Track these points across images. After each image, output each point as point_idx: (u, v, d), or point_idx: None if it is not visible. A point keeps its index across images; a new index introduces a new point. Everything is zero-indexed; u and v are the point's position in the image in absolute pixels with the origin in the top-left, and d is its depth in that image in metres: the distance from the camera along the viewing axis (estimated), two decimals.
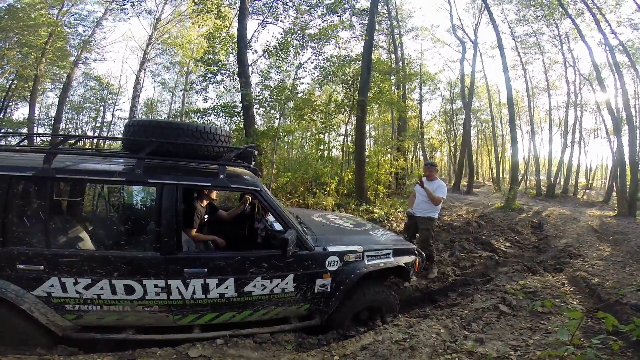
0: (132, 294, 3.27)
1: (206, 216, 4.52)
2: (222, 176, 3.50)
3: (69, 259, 3.13)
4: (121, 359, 3.11)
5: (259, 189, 3.71)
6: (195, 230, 4.09)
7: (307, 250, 3.76)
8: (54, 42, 19.22)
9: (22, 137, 5.24)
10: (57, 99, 22.27)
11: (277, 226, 4.02)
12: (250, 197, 5.04)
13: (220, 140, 3.77)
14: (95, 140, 21.22)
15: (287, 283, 3.68)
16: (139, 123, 3.89)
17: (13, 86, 20.69)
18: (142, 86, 25.32)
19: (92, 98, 27.68)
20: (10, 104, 21.56)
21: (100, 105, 28.11)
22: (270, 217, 4.33)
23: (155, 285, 3.29)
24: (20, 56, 18.61)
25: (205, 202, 4.47)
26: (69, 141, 5.02)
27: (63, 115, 23.15)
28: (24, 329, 3.20)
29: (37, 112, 21.38)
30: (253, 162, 4.05)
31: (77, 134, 25.36)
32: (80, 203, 4.35)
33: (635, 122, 17.39)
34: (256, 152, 4.26)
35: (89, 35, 21.53)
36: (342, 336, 3.96)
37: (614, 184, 17.79)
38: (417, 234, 6.43)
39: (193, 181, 3.59)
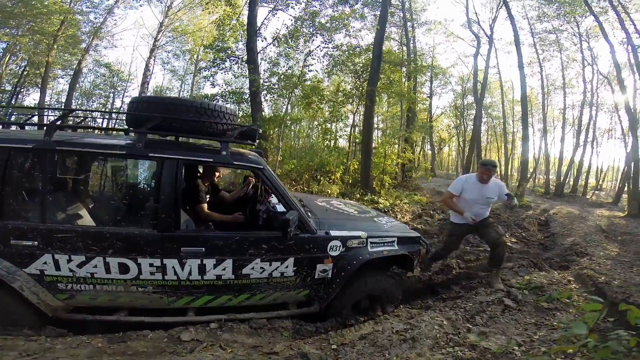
0: (127, 273, 3.18)
1: (208, 197, 4.42)
2: (224, 152, 3.41)
3: (63, 235, 3.05)
4: (111, 341, 3.03)
5: (262, 166, 3.63)
6: (206, 206, 3.99)
7: (309, 233, 3.65)
8: (66, 30, 19.27)
9: (30, 115, 5.16)
10: (68, 86, 22.37)
11: (280, 209, 3.92)
12: (253, 180, 4.94)
13: (224, 117, 3.65)
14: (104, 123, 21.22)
15: (286, 267, 3.57)
16: (143, 99, 3.83)
17: (25, 73, 20.88)
18: (152, 73, 25.34)
19: (102, 85, 27.80)
20: (22, 90, 21.73)
21: (110, 92, 28.24)
22: (273, 199, 4.24)
23: (151, 265, 3.20)
24: (32, 43, 18.68)
25: (207, 183, 4.38)
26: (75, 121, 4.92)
27: (73, 101, 23.29)
28: (12, 309, 3.11)
29: (47, 99, 21.62)
30: (257, 141, 3.93)
31: (83, 115, 25.40)
32: (80, 178, 4.24)
33: None
34: (260, 131, 4.15)
35: (100, 23, 21.64)
36: (340, 325, 3.87)
37: (626, 185, 17.49)
38: (487, 232, 5.24)
39: (195, 157, 3.54)
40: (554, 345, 3.13)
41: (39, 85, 20.66)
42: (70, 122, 4.65)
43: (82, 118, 5.64)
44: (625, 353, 2.17)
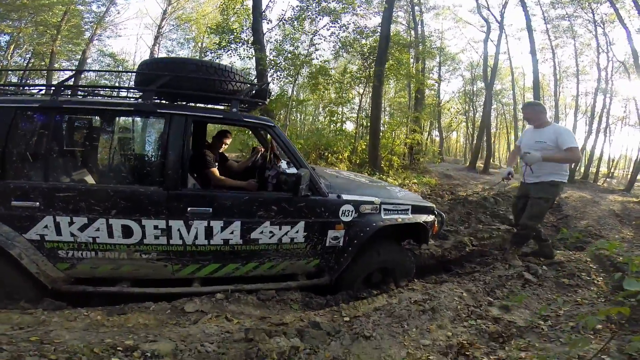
0: (130, 237, 3.02)
1: (216, 164, 4.26)
2: (234, 109, 3.30)
3: (65, 194, 2.90)
4: (111, 313, 2.87)
5: (272, 124, 3.49)
6: (216, 170, 3.82)
7: (321, 195, 3.46)
8: (69, 20, 19.44)
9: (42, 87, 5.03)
10: (73, 78, 22.12)
11: (290, 171, 3.73)
12: (261, 149, 4.75)
13: (234, 78, 3.52)
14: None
15: (296, 232, 3.39)
16: (153, 60, 3.88)
17: (30, 64, 20.87)
18: None
19: (107, 75, 27.62)
20: (28, 81, 21.52)
21: (116, 82, 28.08)
22: (283, 164, 4.08)
23: (155, 227, 3.03)
24: (36, 34, 18.89)
25: (215, 152, 4.23)
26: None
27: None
28: (10, 280, 2.97)
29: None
30: (268, 100, 3.79)
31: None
32: (86, 138, 4.12)
33: None
34: (271, 92, 4.04)
35: (103, 13, 21.73)
36: (352, 297, 3.67)
37: (638, 171, 17.22)
38: (527, 208, 4.67)
39: (204, 113, 3.47)
40: (582, 321, 2.94)
41: (45, 76, 20.71)
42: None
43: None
44: None
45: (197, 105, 3.78)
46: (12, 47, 19.59)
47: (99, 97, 3.46)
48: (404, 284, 3.98)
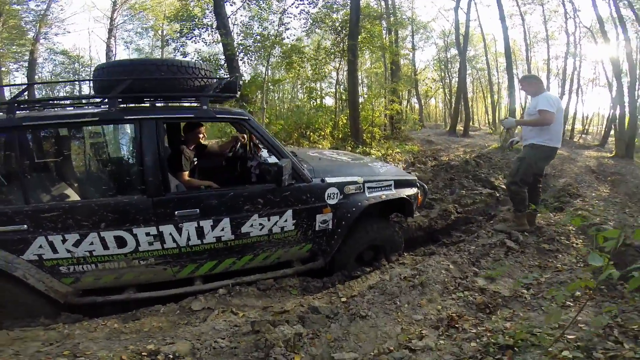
0: (125, 246, 3.06)
1: (196, 160, 4.28)
2: (205, 107, 3.24)
3: (51, 214, 2.89)
4: (125, 320, 2.99)
5: (247, 117, 3.48)
6: (187, 173, 3.81)
7: (304, 182, 3.53)
8: (6, 21, 18.40)
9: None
10: (26, 78, 21.40)
11: (272, 161, 3.80)
12: (242, 139, 4.70)
13: (199, 74, 3.47)
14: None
15: (285, 220, 3.47)
16: (110, 64, 3.69)
17: None
18: (115, 54, 24.15)
19: (63, 73, 26.72)
20: None
21: (75, 89, 27.03)
22: (263, 154, 4.11)
23: (147, 234, 3.08)
24: None
25: (192, 146, 4.17)
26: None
27: (36, 92, 22.36)
28: (25, 300, 3.02)
29: (7, 93, 20.49)
30: (238, 92, 3.75)
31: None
32: (56, 153, 4.01)
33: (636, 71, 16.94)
34: (240, 83, 3.98)
35: (44, 10, 20.44)
36: (347, 277, 3.84)
37: (612, 126, 17.73)
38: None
39: (174, 114, 3.42)
40: (562, 287, 3.14)
41: None
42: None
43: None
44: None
45: (167, 103, 3.73)
46: None
47: (59, 109, 3.35)
48: (394, 258, 4.15)
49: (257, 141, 4.28)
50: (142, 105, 3.43)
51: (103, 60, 24.24)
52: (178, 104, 3.59)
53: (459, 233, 5.33)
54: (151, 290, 3.32)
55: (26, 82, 20.85)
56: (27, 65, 21.14)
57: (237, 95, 3.79)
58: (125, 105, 3.27)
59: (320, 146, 11.42)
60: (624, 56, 15.96)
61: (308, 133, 12.70)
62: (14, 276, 2.86)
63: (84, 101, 4.41)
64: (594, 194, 7.32)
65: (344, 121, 13.82)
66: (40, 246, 2.90)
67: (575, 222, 2.77)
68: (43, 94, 25.45)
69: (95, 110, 3.15)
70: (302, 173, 3.53)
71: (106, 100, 3.22)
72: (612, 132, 18.48)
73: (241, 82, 4.86)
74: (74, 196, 3.49)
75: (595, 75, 29.10)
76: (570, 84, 24.52)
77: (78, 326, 2.85)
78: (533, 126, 4.58)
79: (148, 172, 3.06)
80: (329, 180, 3.65)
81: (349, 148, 11.38)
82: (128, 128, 3.91)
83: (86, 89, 26.61)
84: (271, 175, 3.39)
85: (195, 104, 3.54)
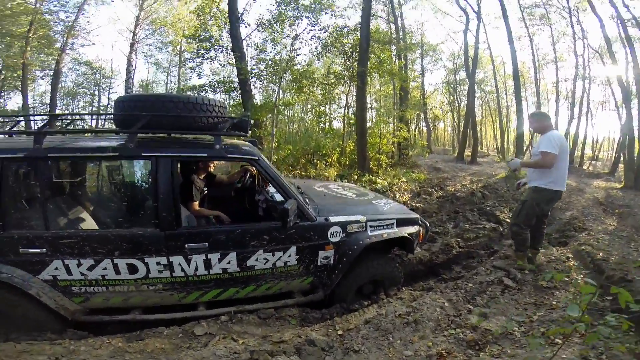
0: (136, 273, 3.25)
1: (206, 189, 4.45)
2: (218, 146, 3.40)
3: (69, 240, 3.10)
4: (129, 340, 3.13)
5: (256, 157, 3.64)
6: (197, 203, 4.02)
7: (309, 221, 3.67)
8: (37, 30, 18.96)
9: (16, 122, 5.09)
10: (50, 86, 22.17)
11: (278, 197, 3.94)
12: (253, 169, 4.90)
13: (213, 110, 3.64)
14: (93, 123, 21.11)
15: (289, 256, 3.62)
16: (129, 98, 3.82)
17: (2, 77, 20.64)
18: (135, 68, 24.87)
19: (85, 83, 27.54)
20: (2, 94, 21.60)
21: (95, 90, 28.09)
22: (271, 188, 4.26)
23: (158, 263, 3.26)
24: (3, 46, 18.46)
25: (203, 175, 4.39)
26: (63, 123, 4.86)
27: (58, 101, 23.06)
28: (34, 315, 3.21)
29: (30, 100, 21.32)
30: (249, 132, 3.92)
31: (68, 113, 25.22)
32: (77, 183, 4.24)
33: None
34: (252, 121, 4.14)
35: (72, 21, 21.14)
36: (345, 310, 3.95)
37: (622, 155, 17.54)
38: None
39: (189, 153, 3.56)
40: (553, 325, 3.23)
41: (19, 88, 20.48)
42: (59, 124, 4.56)
43: (70, 119, 5.57)
44: (613, 338, 2.25)
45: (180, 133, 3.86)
46: None
47: (82, 141, 3.51)
48: (392, 293, 4.26)
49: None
50: (159, 137, 3.60)
51: (123, 72, 24.96)
52: (192, 139, 3.75)
53: (459, 268, 5.40)
54: (156, 313, 3.49)
55: (50, 89, 21.94)
56: (52, 74, 21.75)
57: (248, 135, 3.95)
58: (143, 135, 3.44)
59: (327, 174, 11.52)
60: (632, 78, 15.89)
61: (315, 160, 12.86)
62: (28, 293, 3.06)
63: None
64: (600, 228, 7.26)
65: (351, 147, 14.00)
66: (56, 268, 3.12)
67: (558, 277, 2.85)
68: (64, 102, 26.37)
69: (115, 145, 3.31)
70: (307, 213, 3.69)
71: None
72: (622, 159, 18.27)
73: (250, 117, 4.98)
74: (91, 225, 3.68)
75: (605, 98, 28.76)
76: (579, 107, 24.37)
77: (83, 343, 3.01)
78: (535, 168, 4.63)
79: (162, 207, 3.24)
80: (332, 219, 3.80)
81: (355, 177, 11.51)
82: (145, 163, 4.06)
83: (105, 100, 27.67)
84: (277, 213, 3.54)
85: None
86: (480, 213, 8.54)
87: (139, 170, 4.90)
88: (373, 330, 3.27)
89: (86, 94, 27.99)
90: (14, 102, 23.06)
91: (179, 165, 3.46)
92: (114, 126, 3.74)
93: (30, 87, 22.92)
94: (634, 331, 3.05)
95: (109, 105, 27.39)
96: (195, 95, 3.77)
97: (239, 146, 3.73)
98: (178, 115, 3.40)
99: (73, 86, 27.23)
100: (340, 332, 3.30)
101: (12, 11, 17.22)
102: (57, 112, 21.89)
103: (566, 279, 4.42)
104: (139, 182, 4.91)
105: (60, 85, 23.31)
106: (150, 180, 3.43)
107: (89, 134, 5.11)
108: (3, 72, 20.57)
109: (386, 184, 11.20)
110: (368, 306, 3.92)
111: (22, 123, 10.48)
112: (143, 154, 3.34)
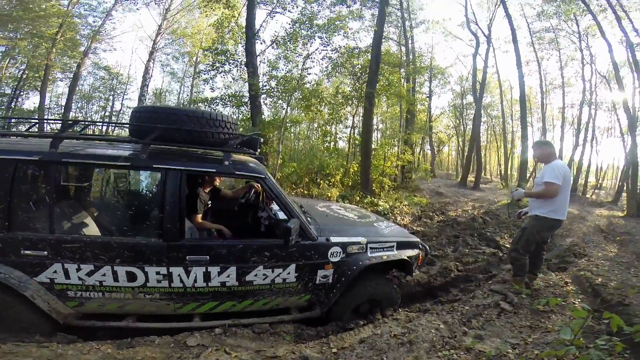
0: (134, 281, 3.28)
1: (209, 202, 4.51)
2: (227, 163, 3.49)
3: (72, 245, 3.14)
4: (120, 347, 3.13)
5: (263, 176, 3.71)
6: (200, 216, 4.08)
7: (310, 240, 3.73)
8: (65, 33, 19.31)
9: (32, 124, 5.23)
10: (67, 89, 22.47)
11: (281, 215, 4.01)
12: (257, 186, 4.97)
13: (225, 127, 3.74)
14: (104, 128, 21.33)
15: (288, 273, 3.67)
16: (145, 109, 3.92)
17: (24, 76, 20.84)
18: (151, 76, 25.39)
19: (101, 87, 28.00)
20: (22, 93, 21.71)
21: (110, 95, 28.52)
22: (275, 206, 4.33)
23: (157, 273, 3.30)
24: (31, 46, 18.74)
25: (208, 189, 4.45)
26: (77, 128, 4.98)
27: (73, 104, 23.43)
28: (26, 316, 3.22)
29: (47, 101, 21.63)
30: (258, 150, 4.01)
31: (85, 120, 25.54)
32: (85, 189, 4.36)
33: None
34: (262, 140, 4.22)
35: (98, 26, 21.72)
36: (341, 328, 3.96)
37: (625, 184, 17.53)
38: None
39: (198, 167, 3.60)
40: (547, 347, 3.23)
41: (39, 89, 20.71)
42: (71, 130, 4.66)
43: (83, 125, 5.68)
44: None
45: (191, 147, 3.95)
46: (7, 59, 19.63)
47: (95, 148, 3.58)
48: (389, 313, 4.26)
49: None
50: (170, 149, 3.65)
51: (139, 79, 25.80)
52: (201, 154, 3.82)
53: (457, 291, 5.41)
54: (150, 321, 3.50)
55: (67, 91, 22.17)
56: (71, 76, 22.13)
57: (257, 153, 4.04)
58: (154, 146, 3.48)
59: (330, 194, 11.59)
60: (638, 104, 15.96)
61: (318, 180, 12.95)
62: (22, 295, 3.07)
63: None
64: (600, 254, 7.29)
65: (355, 168, 14.11)
66: (55, 271, 3.13)
67: (553, 302, 2.90)
68: (78, 105, 26.71)
69: (127, 154, 3.39)
70: (309, 232, 3.75)
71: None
72: (625, 187, 18.23)
73: (260, 134, 5.06)
74: (94, 231, 3.75)
75: (610, 124, 28.79)
76: (584, 134, 24.50)
77: (72, 347, 3.02)
78: (538, 198, 4.68)
79: (167, 218, 3.30)
80: (333, 239, 3.87)
81: (357, 198, 11.56)
82: (154, 174, 4.18)
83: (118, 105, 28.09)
84: (280, 231, 3.60)
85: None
86: (481, 238, 8.57)
87: (147, 180, 5.03)
88: (367, 349, 3.28)
89: (101, 99, 28.54)
90: (32, 102, 23.31)
91: (186, 179, 3.48)
92: (124, 133, 3.84)
93: (49, 89, 23.26)
94: (629, 353, 3.07)
95: (122, 111, 28.06)
96: (210, 110, 3.86)
97: (246, 163, 3.80)
98: (191, 130, 3.50)
99: (89, 90, 27.79)
100: (334, 350, 3.30)
101: (45, 12, 17.59)
102: (71, 115, 22.36)
103: (563, 302, 4.43)
104: (146, 192, 5.01)
105: (77, 89, 23.66)
106: (157, 191, 3.55)
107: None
108: (26, 72, 20.77)
109: (388, 206, 11.25)
110: (364, 325, 3.92)
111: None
112: (154, 166, 3.40)
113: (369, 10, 16.42)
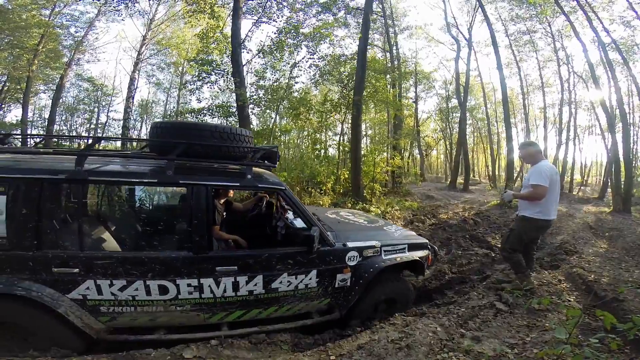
0: (166, 294, 3.32)
1: (224, 213, 4.57)
2: (249, 176, 3.59)
3: (103, 261, 3.15)
4: None
5: (283, 187, 3.84)
6: (218, 227, 4.12)
7: (329, 246, 3.89)
8: (46, 44, 19.25)
9: (41, 139, 5.15)
10: (51, 101, 22.32)
11: (297, 223, 4.20)
12: (267, 196, 5.22)
13: (244, 141, 3.85)
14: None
15: (310, 278, 3.81)
16: (166, 125, 4.07)
17: (5, 88, 20.61)
18: (137, 87, 25.23)
19: (85, 99, 27.90)
20: (3, 106, 21.49)
21: (95, 107, 28.35)
22: (290, 215, 4.53)
23: (189, 285, 3.36)
24: (11, 58, 18.49)
25: (223, 200, 4.53)
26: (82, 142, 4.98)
27: (57, 116, 23.15)
28: (58, 333, 3.20)
29: (30, 114, 21.29)
30: (277, 163, 4.08)
31: (93, 135, 25.22)
32: (112, 204, 4.45)
33: (629, 119, 17.35)
34: (279, 154, 4.25)
35: (81, 37, 21.65)
36: (338, 335, 3.97)
37: (609, 180, 17.77)
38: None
39: (222, 182, 3.71)
40: (546, 346, 3.25)
41: (21, 101, 20.57)
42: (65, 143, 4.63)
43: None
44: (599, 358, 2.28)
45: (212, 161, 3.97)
46: None
47: (120, 165, 3.59)
48: (385, 318, 4.28)
49: (287, 206, 4.69)
50: (194, 164, 3.68)
51: (124, 90, 25.25)
52: (223, 168, 3.87)
53: (452, 293, 5.41)
54: (179, 333, 3.52)
55: (50, 104, 21.97)
56: (54, 88, 21.99)
57: (276, 166, 4.07)
58: (179, 162, 3.49)
59: (321, 202, 11.58)
60: (615, 102, 16.23)
61: (310, 188, 12.96)
62: (55, 311, 3.05)
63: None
64: (591, 250, 7.37)
65: (346, 175, 14.15)
66: (87, 288, 3.14)
67: (544, 302, 2.92)
68: (63, 118, 26.35)
69: (154, 171, 3.42)
70: (327, 239, 3.91)
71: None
72: (610, 183, 18.45)
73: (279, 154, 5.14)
74: (122, 247, 3.81)
75: (590, 122, 29.53)
76: (567, 133, 24.98)
77: None
78: (526, 200, 4.74)
79: (195, 231, 3.38)
80: (350, 244, 4.04)
81: (349, 205, 11.55)
82: (180, 189, 4.25)
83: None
84: (302, 239, 3.71)
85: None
86: (472, 239, 8.63)
87: (174, 195, 5.14)
88: (366, 355, 3.25)
89: (85, 111, 28.42)
90: (13, 114, 23.28)
91: (212, 194, 3.54)
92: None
93: (31, 101, 23.02)
94: (629, 349, 3.10)
95: (107, 123, 27.88)
96: (229, 125, 3.93)
97: (264, 176, 3.92)
98: (214, 145, 3.60)
99: (73, 102, 27.67)
100: (332, 357, 3.27)
101: (25, 23, 17.46)
102: (55, 127, 22.16)
103: (559, 301, 4.46)
104: (174, 206, 5.10)
105: (60, 100, 23.54)
106: (185, 206, 3.63)
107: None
108: (7, 84, 20.60)
109: (380, 212, 11.28)
110: (361, 332, 3.91)
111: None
112: (181, 182, 3.44)
113: (354, 18, 16.60)
